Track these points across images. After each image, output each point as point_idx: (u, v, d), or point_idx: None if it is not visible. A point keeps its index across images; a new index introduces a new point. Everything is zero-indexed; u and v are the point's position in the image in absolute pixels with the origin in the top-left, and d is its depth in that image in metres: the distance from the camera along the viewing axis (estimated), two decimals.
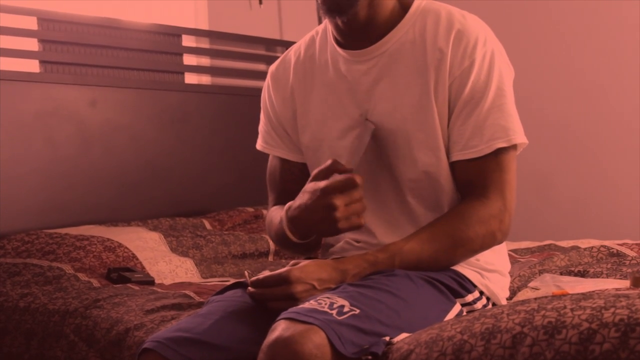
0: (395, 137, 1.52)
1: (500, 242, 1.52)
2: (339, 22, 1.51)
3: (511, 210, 1.49)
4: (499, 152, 1.48)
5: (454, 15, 1.51)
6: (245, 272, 1.48)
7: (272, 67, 1.69)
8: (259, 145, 1.71)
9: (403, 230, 1.51)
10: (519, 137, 1.49)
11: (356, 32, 1.53)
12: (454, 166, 1.51)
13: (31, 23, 2.77)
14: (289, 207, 1.48)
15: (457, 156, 1.49)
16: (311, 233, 1.46)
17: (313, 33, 1.66)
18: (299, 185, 1.54)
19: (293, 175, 1.67)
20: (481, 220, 1.46)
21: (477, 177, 1.48)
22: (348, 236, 1.60)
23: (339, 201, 1.37)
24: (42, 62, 2.78)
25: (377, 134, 1.54)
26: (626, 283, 1.78)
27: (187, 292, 2.03)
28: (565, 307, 1.17)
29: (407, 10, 1.54)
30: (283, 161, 1.68)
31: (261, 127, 1.71)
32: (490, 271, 1.56)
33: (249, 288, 1.42)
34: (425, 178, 1.52)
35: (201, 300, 1.94)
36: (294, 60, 1.65)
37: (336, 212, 1.37)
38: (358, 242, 1.58)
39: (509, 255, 1.99)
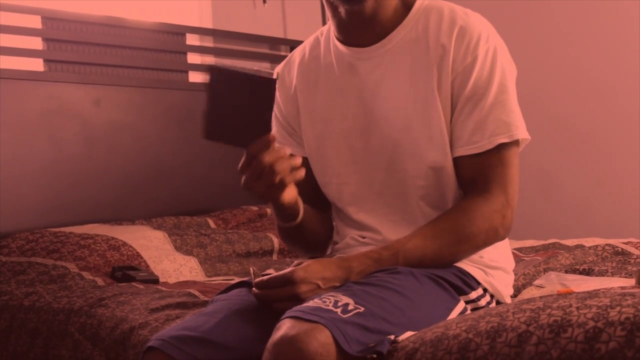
0: (401, 134, 1.53)
1: (503, 238, 1.52)
2: (344, 17, 1.51)
3: (513, 205, 1.49)
4: (501, 147, 1.48)
5: (456, 12, 1.52)
6: (251, 268, 1.48)
7: (278, 68, 1.71)
8: None
9: (408, 229, 1.51)
10: (521, 132, 1.50)
11: (360, 29, 1.53)
12: (456, 162, 1.51)
13: (35, 22, 2.77)
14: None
15: (459, 152, 1.50)
16: None
17: (317, 34, 1.67)
18: (307, 183, 1.58)
19: None
20: (484, 216, 1.46)
21: (479, 173, 1.49)
22: (353, 232, 1.60)
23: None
24: (46, 61, 2.78)
25: (383, 132, 1.54)
26: (631, 281, 1.78)
27: (191, 290, 2.04)
28: (571, 305, 1.17)
29: (410, 9, 1.55)
30: None
31: (272, 129, 1.72)
32: (494, 268, 1.56)
33: (254, 289, 1.42)
34: (432, 175, 1.52)
35: (206, 299, 1.94)
36: (298, 60, 1.67)
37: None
38: (363, 237, 1.59)
39: (514, 253, 1.99)
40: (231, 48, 3.44)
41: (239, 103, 1.35)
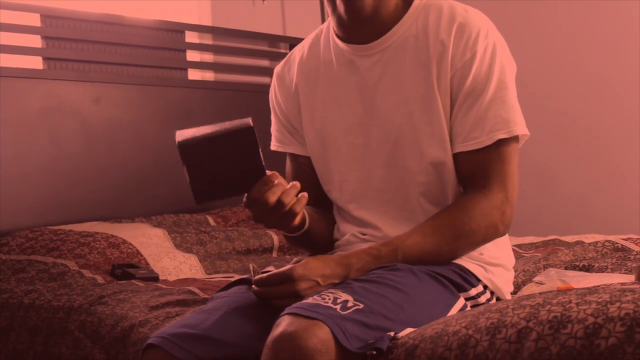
0: (402, 131, 1.53)
1: (502, 234, 1.52)
2: (344, 14, 1.51)
3: (513, 201, 1.49)
4: (501, 143, 1.48)
5: (456, 9, 1.52)
6: (251, 265, 1.48)
7: (278, 67, 1.71)
8: (273, 145, 1.71)
9: (409, 226, 1.51)
10: (520, 128, 1.49)
11: (359, 26, 1.53)
12: (455, 158, 1.51)
13: (34, 20, 2.77)
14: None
15: (458, 148, 1.50)
16: None
17: (317, 32, 1.67)
18: (310, 182, 1.61)
19: (304, 173, 1.68)
20: (483, 213, 1.46)
21: (478, 169, 1.49)
22: (354, 229, 1.60)
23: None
24: (45, 58, 2.78)
25: (383, 129, 1.54)
26: (631, 278, 1.78)
27: (191, 288, 2.03)
28: (570, 301, 1.17)
29: (410, 5, 1.55)
30: (294, 160, 1.70)
31: (273, 128, 1.72)
32: (494, 265, 1.56)
33: (253, 286, 1.42)
34: (433, 171, 1.52)
35: (205, 296, 1.94)
36: (298, 58, 1.67)
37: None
38: (364, 234, 1.59)
39: (513, 250, 1.99)
40: (230, 45, 3.44)
41: (219, 160, 1.35)
